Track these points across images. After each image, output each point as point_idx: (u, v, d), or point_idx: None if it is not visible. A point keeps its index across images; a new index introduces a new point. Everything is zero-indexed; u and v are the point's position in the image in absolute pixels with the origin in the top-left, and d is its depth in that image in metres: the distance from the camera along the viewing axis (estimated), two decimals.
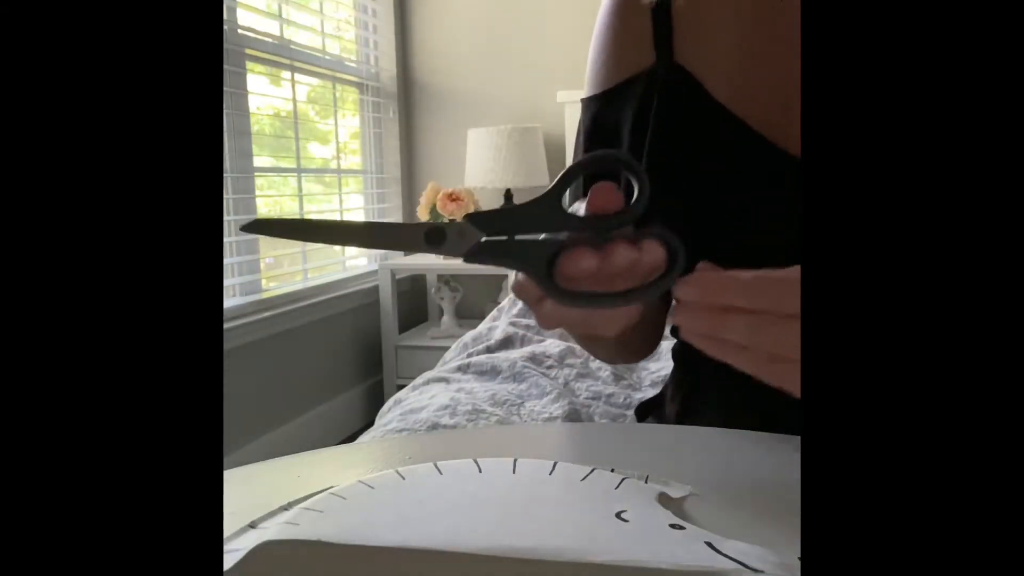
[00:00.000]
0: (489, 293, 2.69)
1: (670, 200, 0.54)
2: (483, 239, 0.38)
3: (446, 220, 0.39)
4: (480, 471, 0.36)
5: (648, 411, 0.73)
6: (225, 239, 1.77)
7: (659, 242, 0.38)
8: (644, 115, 0.57)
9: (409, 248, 0.38)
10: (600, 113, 0.61)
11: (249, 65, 1.97)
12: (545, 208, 0.39)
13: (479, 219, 0.39)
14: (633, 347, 0.64)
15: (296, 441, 2.06)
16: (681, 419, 0.63)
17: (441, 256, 0.41)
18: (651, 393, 1.06)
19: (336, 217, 2.39)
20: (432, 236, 0.38)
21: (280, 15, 2.16)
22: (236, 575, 0.28)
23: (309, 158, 2.39)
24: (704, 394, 0.62)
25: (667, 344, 1.28)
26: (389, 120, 2.67)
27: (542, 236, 0.40)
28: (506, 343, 1.28)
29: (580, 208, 0.40)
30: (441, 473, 0.36)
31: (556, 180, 0.39)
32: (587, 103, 0.63)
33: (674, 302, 0.37)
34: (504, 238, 0.39)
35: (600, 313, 0.41)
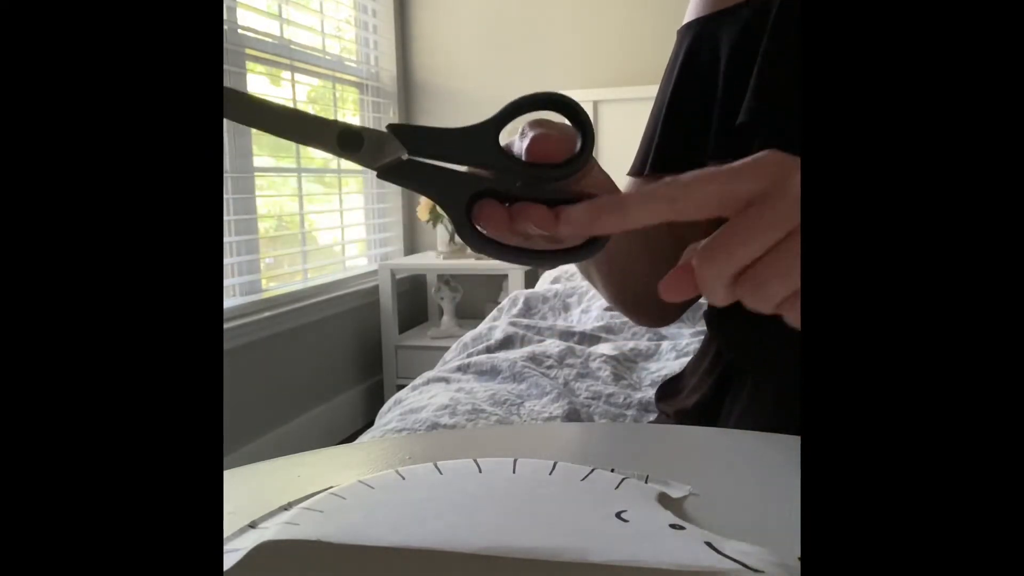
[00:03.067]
0: (489, 293, 2.69)
1: (779, 128, 0.53)
2: (405, 157, 0.34)
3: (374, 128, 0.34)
4: (480, 471, 0.36)
5: (671, 392, 0.71)
6: (225, 239, 1.77)
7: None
8: (747, 41, 0.56)
9: (322, 146, 0.34)
10: (700, 35, 0.60)
11: (249, 65, 1.97)
12: (481, 138, 0.35)
13: (404, 132, 0.34)
14: (634, 306, 0.62)
15: (296, 441, 2.06)
16: (716, 394, 0.61)
17: (368, 169, 0.35)
18: (651, 393, 1.06)
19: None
20: (346, 140, 0.34)
21: (280, 15, 2.16)
22: (236, 575, 0.28)
23: (309, 158, 2.39)
24: (747, 364, 0.60)
25: (667, 344, 1.29)
26: (389, 120, 2.67)
27: (468, 169, 0.36)
28: (506, 343, 1.28)
29: (516, 143, 0.36)
30: (441, 473, 0.36)
31: (498, 111, 0.35)
32: (686, 29, 0.62)
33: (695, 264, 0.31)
34: (428, 161, 0.34)
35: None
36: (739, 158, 0.59)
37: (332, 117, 2.40)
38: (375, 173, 0.34)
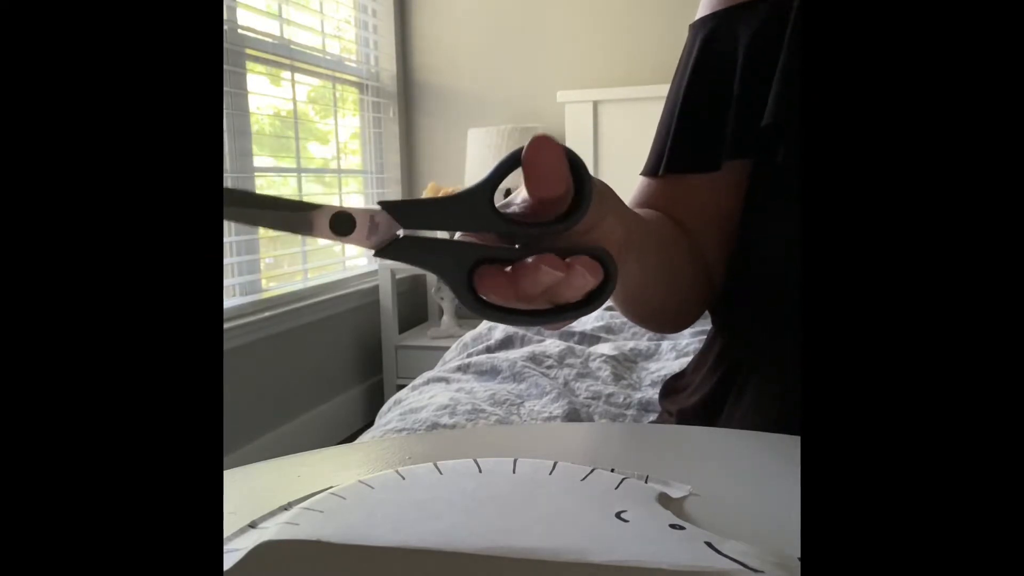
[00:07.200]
0: None
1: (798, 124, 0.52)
2: (401, 233, 0.34)
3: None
4: (480, 471, 0.36)
5: (673, 390, 0.70)
6: (225, 239, 1.77)
7: (591, 260, 0.34)
8: (766, 36, 0.55)
9: (315, 234, 0.33)
10: (716, 30, 0.59)
11: (249, 65, 1.97)
12: (475, 202, 0.34)
13: (397, 209, 0.33)
14: (651, 313, 0.60)
15: (296, 441, 2.06)
16: (720, 393, 0.61)
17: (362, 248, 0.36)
18: (651, 393, 1.06)
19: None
20: (339, 223, 0.33)
21: (280, 15, 2.16)
22: (236, 575, 0.28)
23: (309, 158, 2.39)
24: (752, 361, 0.59)
25: (667, 344, 1.29)
26: (389, 120, 2.67)
27: (463, 236, 0.35)
28: (506, 343, 1.28)
29: (513, 195, 0.35)
30: (441, 473, 0.36)
31: (488, 173, 0.34)
32: (700, 23, 0.61)
33: None
34: (424, 235, 0.34)
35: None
36: (760, 158, 0.58)
37: (333, 122, 2.41)
38: (372, 252, 0.34)
